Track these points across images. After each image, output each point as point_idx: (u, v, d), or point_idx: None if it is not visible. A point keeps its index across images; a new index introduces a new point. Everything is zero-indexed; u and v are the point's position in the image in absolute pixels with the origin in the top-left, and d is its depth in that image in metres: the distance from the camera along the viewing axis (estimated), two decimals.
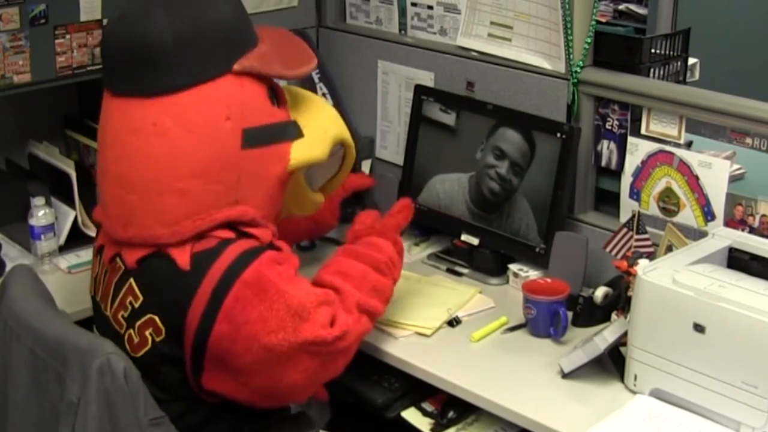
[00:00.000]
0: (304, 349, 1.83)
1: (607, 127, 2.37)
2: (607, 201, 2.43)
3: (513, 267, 2.41)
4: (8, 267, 2.36)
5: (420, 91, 2.64)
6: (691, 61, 2.54)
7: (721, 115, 2.14)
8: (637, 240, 2.23)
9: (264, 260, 1.84)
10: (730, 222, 2.15)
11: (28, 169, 2.68)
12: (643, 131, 2.29)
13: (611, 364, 2.00)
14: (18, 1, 2.32)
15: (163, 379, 1.86)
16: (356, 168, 2.57)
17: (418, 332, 2.19)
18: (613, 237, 2.28)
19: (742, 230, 2.11)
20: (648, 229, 2.23)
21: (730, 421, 1.79)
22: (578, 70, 2.35)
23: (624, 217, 2.32)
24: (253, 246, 1.86)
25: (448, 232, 2.59)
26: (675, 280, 1.84)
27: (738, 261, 1.99)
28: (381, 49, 2.82)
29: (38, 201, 2.41)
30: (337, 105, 2.91)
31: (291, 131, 1.98)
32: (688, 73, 2.52)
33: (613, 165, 2.37)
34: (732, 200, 2.14)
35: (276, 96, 1.98)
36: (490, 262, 2.46)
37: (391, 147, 2.83)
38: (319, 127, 2.04)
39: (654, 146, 2.26)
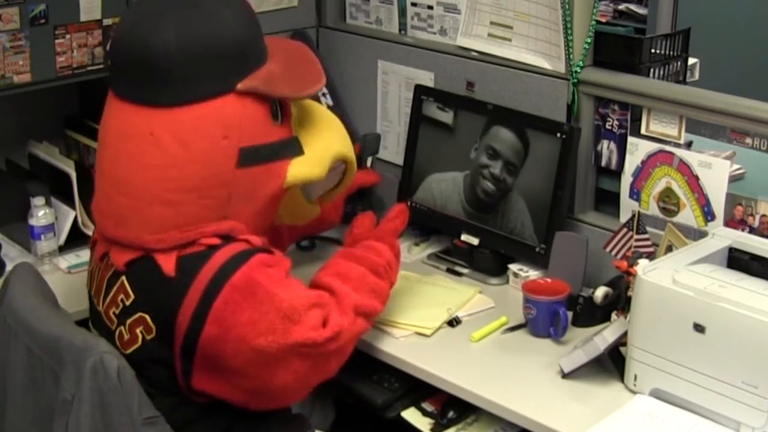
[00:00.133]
0: (294, 351, 1.84)
1: (607, 127, 2.37)
2: (607, 201, 2.43)
3: (513, 267, 2.41)
4: (8, 267, 2.36)
5: (420, 91, 2.64)
6: (691, 61, 2.54)
7: (721, 115, 2.14)
8: (637, 240, 2.23)
9: (254, 263, 1.84)
10: (730, 222, 2.15)
11: (28, 169, 2.68)
12: (643, 131, 2.29)
13: (611, 364, 2.00)
14: (18, 1, 2.32)
15: (152, 375, 1.86)
16: (362, 164, 2.57)
17: (418, 332, 2.19)
18: (613, 237, 2.28)
19: (742, 230, 2.11)
20: (648, 229, 2.23)
21: (730, 421, 1.79)
22: (578, 70, 2.35)
23: (624, 217, 2.32)
24: (243, 249, 1.86)
25: (448, 232, 2.59)
26: (675, 280, 1.84)
27: (738, 261, 1.99)
28: (381, 49, 2.82)
29: (38, 201, 2.41)
30: (337, 105, 2.91)
31: (290, 149, 1.96)
32: (688, 73, 2.52)
33: (613, 165, 2.37)
34: (732, 200, 2.14)
35: (281, 111, 1.96)
36: (490, 262, 2.46)
37: (391, 147, 2.83)
38: (321, 145, 2.02)
39: (654, 146, 2.26)
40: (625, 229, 2.25)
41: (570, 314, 2.16)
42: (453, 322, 2.23)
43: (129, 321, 1.87)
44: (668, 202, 2.25)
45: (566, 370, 2.00)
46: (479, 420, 2.06)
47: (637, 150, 2.29)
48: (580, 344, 2.01)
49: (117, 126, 1.89)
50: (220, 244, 1.86)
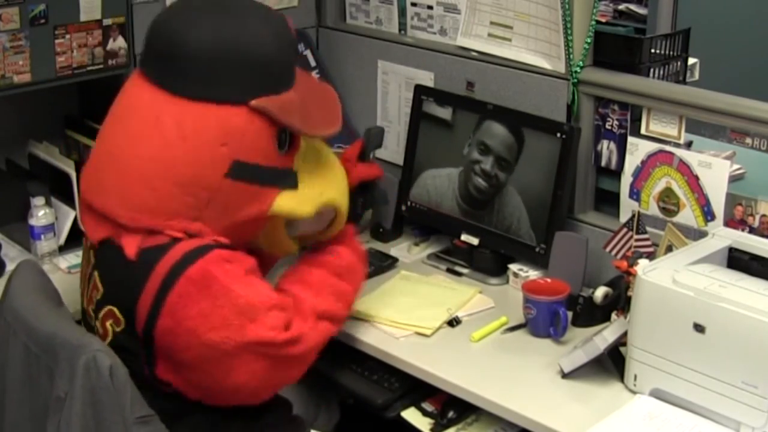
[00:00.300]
0: (249, 350, 1.83)
1: (607, 127, 2.37)
2: (607, 201, 2.43)
3: (513, 267, 2.41)
4: (8, 267, 2.36)
5: (420, 91, 2.64)
6: (691, 61, 2.54)
7: (721, 115, 2.14)
8: (637, 240, 2.23)
9: (211, 257, 1.84)
10: (730, 222, 2.15)
11: (28, 169, 2.68)
12: (643, 131, 2.29)
13: (611, 364, 2.00)
14: (18, 1, 2.32)
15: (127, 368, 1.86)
16: (366, 158, 2.56)
17: (418, 332, 2.19)
18: (613, 237, 2.28)
19: (742, 230, 2.11)
20: (648, 229, 2.23)
21: (730, 421, 1.79)
22: (578, 70, 2.35)
23: (624, 217, 2.32)
24: (202, 244, 1.86)
25: (448, 232, 2.59)
26: (675, 280, 1.84)
27: (738, 261, 1.99)
28: (381, 49, 2.82)
29: (38, 201, 2.41)
30: None
31: (285, 180, 1.96)
32: (688, 73, 2.52)
33: (613, 165, 2.37)
34: (732, 200, 2.14)
35: (289, 142, 1.96)
36: (490, 262, 2.46)
37: (391, 147, 2.83)
38: (317, 187, 2.01)
39: (654, 146, 2.26)
40: (625, 229, 2.25)
41: (570, 314, 2.16)
42: (453, 322, 2.23)
43: (101, 315, 1.90)
44: (668, 202, 2.25)
45: (566, 370, 2.00)
46: (479, 420, 2.06)
47: (637, 150, 2.29)
48: (580, 344, 2.01)
49: (129, 99, 1.94)
50: (183, 237, 1.86)
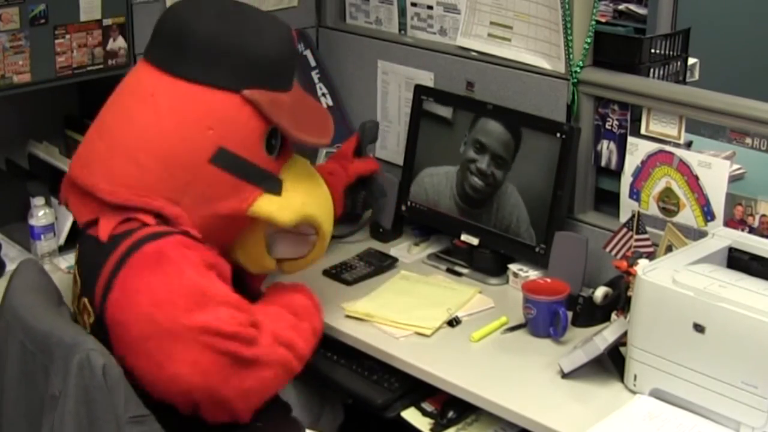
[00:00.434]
0: (193, 336, 1.77)
1: (607, 127, 2.37)
2: (607, 201, 2.43)
3: (513, 267, 2.41)
4: (8, 267, 2.36)
5: (420, 91, 2.64)
6: (691, 61, 2.54)
7: (721, 115, 2.14)
8: (636, 240, 2.23)
9: (171, 240, 1.85)
10: (730, 222, 2.15)
11: (28, 169, 2.68)
12: (643, 131, 2.29)
13: (611, 364, 2.00)
14: (18, 1, 2.32)
15: None
16: (361, 152, 2.56)
17: (418, 332, 2.19)
18: (613, 237, 2.28)
19: (742, 230, 2.11)
20: (648, 229, 2.23)
21: (730, 421, 1.79)
22: (578, 70, 2.35)
23: (624, 217, 2.32)
24: (167, 230, 1.87)
25: (448, 232, 2.59)
26: (675, 280, 1.84)
27: (738, 261, 1.99)
28: (381, 49, 2.82)
29: (38, 201, 2.41)
30: (337, 105, 2.91)
31: (269, 183, 1.98)
32: (688, 73, 2.52)
33: (613, 165, 2.37)
34: (732, 200, 2.14)
35: (279, 148, 2.00)
36: (489, 262, 2.46)
37: (391, 147, 2.83)
38: (300, 199, 2.02)
39: (654, 146, 2.26)
40: (625, 229, 2.25)
41: (570, 314, 2.16)
42: (453, 322, 2.23)
43: (81, 310, 1.91)
44: (668, 202, 2.25)
45: (566, 370, 2.00)
46: (479, 420, 2.06)
47: (637, 150, 2.29)
48: (580, 344, 2.01)
49: (129, 81, 2.01)
50: (153, 224, 1.87)
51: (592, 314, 2.15)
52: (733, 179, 2.22)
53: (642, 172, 2.29)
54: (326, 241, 2.12)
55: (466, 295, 2.35)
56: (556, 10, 2.34)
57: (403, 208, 2.66)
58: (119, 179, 1.89)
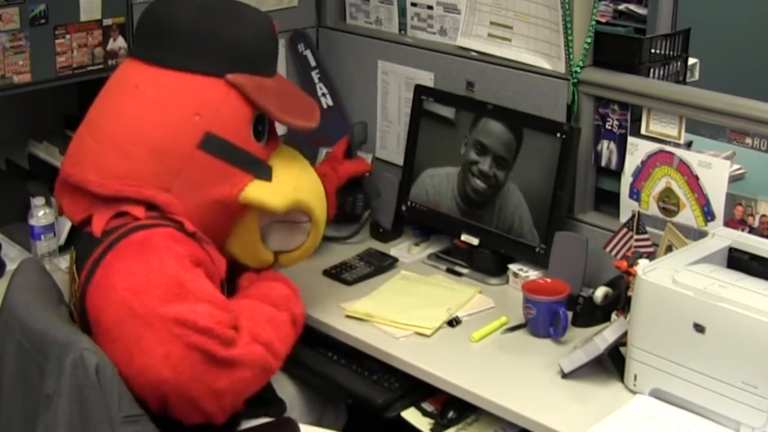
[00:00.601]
0: (167, 326, 1.74)
1: (607, 127, 2.37)
2: (607, 201, 2.43)
3: (513, 267, 2.41)
4: (8, 267, 2.36)
5: (420, 91, 2.64)
6: (691, 61, 2.54)
7: (721, 115, 2.14)
8: (637, 240, 2.23)
9: (159, 231, 1.85)
10: (730, 222, 2.15)
11: (28, 169, 2.68)
12: (643, 131, 2.29)
13: (611, 364, 2.00)
14: (18, 1, 2.32)
15: None
16: (352, 153, 2.56)
17: (418, 332, 2.19)
18: (613, 237, 2.28)
19: (742, 230, 2.11)
20: (648, 229, 2.23)
21: (730, 421, 1.79)
22: (578, 70, 2.35)
23: (624, 217, 2.32)
24: (155, 222, 1.88)
25: (448, 232, 2.59)
26: (675, 280, 1.84)
27: (738, 261, 1.99)
28: (381, 49, 2.82)
29: (38, 201, 2.41)
30: (337, 105, 2.91)
31: (258, 169, 1.99)
32: (688, 73, 2.52)
33: (613, 165, 2.37)
34: (732, 200, 2.14)
35: (267, 135, 2.03)
36: (490, 262, 2.46)
37: (391, 147, 2.83)
38: (290, 184, 2.03)
39: (654, 146, 2.26)
40: (625, 229, 2.25)
41: (570, 314, 2.16)
42: (453, 322, 2.23)
43: (76, 307, 1.91)
44: (668, 202, 2.25)
45: (566, 370, 2.00)
46: (479, 420, 2.06)
47: (637, 150, 2.29)
48: (580, 344, 2.01)
49: (115, 77, 2.04)
50: (144, 218, 1.88)
51: (592, 314, 2.15)
52: (733, 179, 2.22)
53: (642, 172, 2.29)
54: (320, 228, 2.13)
55: (466, 295, 2.35)
56: (556, 10, 2.34)
57: (403, 208, 2.66)
58: (109, 171, 1.91)
